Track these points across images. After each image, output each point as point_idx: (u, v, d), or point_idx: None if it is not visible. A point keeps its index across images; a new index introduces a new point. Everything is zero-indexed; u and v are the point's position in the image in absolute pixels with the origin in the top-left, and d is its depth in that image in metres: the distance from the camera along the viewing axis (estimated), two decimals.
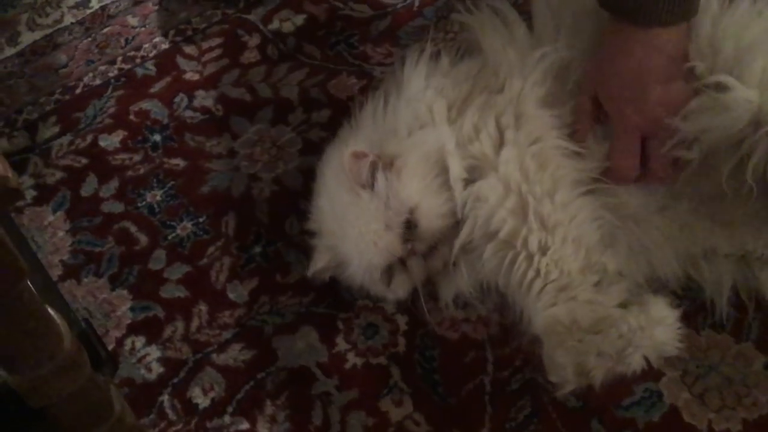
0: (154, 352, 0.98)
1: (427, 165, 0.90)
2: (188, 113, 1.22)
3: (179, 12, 1.35)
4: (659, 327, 0.83)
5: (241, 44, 1.29)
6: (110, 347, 0.99)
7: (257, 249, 1.06)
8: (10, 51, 1.34)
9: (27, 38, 1.36)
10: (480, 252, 0.90)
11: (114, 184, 1.15)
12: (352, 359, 0.96)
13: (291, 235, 1.07)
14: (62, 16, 1.38)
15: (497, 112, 0.92)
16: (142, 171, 1.16)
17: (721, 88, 0.84)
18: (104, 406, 0.74)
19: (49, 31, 1.36)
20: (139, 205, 1.12)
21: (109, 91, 1.26)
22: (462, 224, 0.90)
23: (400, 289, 0.93)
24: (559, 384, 0.84)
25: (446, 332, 0.96)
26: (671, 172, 0.89)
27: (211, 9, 1.35)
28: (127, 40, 1.33)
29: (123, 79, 1.27)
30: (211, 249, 1.07)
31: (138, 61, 1.29)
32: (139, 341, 1.00)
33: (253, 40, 1.30)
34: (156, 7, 1.37)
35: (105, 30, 1.35)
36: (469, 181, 0.91)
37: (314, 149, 1.15)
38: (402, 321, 0.97)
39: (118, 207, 1.12)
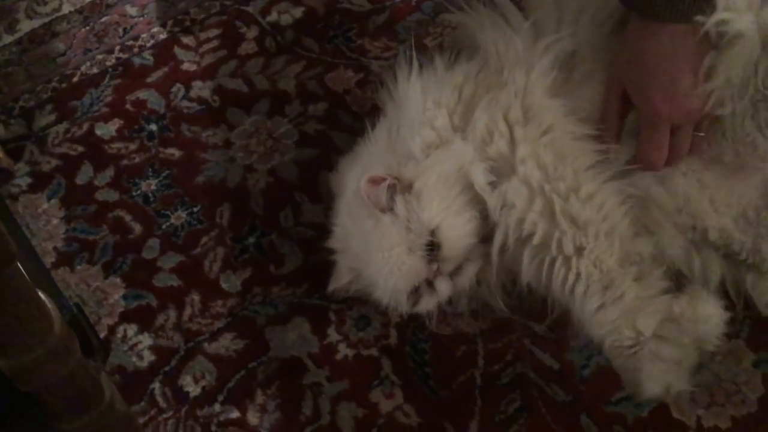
0: (146, 340, 0.99)
1: (447, 185, 0.89)
2: (185, 103, 1.22)
3: (178, 2, 1.35)
4: (704, 324, 0.84)
5: (239, 36, 1.29)
6: (102, 335, 0.99)
7: (251, 240, 1.06)
8: (8, 39, 1.34)
9: (25, 26, 1.36)
10: (515, 257, 0.90)
11: (109, 172, 1.15)
12: (344, 350, 0.96)
13: (285, 227, 1.07)
14: (60, 4, 1.38)
15: (504, 108, 0.92)
16: (137, 160, 1.16)
17: (722, 24, 0.84)
18: (94, 391, 0.74)
19: (47, 19, 1.36)
20: (134, 194, 1.12)
21: (107, 80, 1.26)
22: (494, 231, 0.90)
23: (428, 306, 0.92)
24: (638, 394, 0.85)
25: (438, 326, 0.96)
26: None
27: (210, 0, 1.35)
28: (125, 29, 1.33)
29: (120, 69, 1.27)
30: (205, 239, 1.07)
31: (136, 50, 1.29)
32: (132, 329, 1.00)
33: (251, 32, 1.30)
34: None
35: (103, 19, 1.35)
36: (495, 185, 0.90)
37: (310, 142, 1.16)
38: (394, 314, 0.97)
39: (112, 195, 1.12)
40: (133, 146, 1.17)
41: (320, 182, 1.11)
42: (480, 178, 0.89)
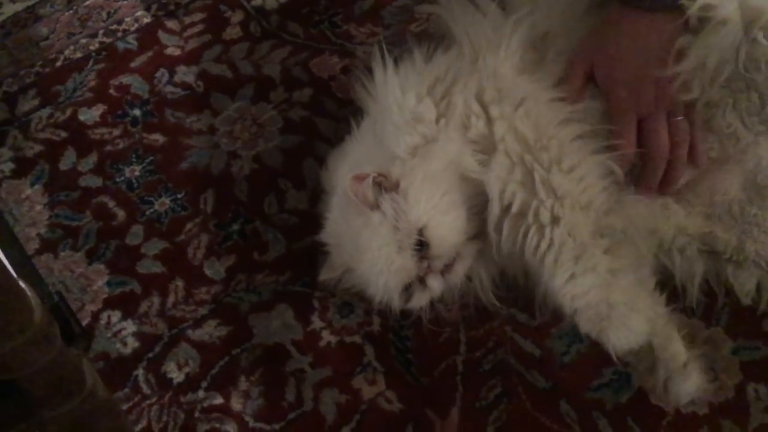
0: (129, 327, 0.99)
1: (433, 184, 0.89)
2: (169, 88, 1.21)
3: None
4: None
5: (223, 20, 1.29)
6: (86, 321, 0.99)
7: (235, 227, 1.06)
8: None
9: (8, 9, 1.35)
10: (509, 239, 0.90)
11: (93, 158, 1.14)
12: (327, 337, 0.97)
13: (269, 214, 1.07)
14: None
15: (477, 91, 0.92)
16: (121, 146, 1.16)
17: (707, 9, 0.84)
18: (76, 379, 0.75)
19: (30, 2, 1.35)
20: (118, 180, 1.12)
21: (90, 64, 1.25)
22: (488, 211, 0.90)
23: (420, 303, 0.92)
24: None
25: (421, 313, 0.97)
26: (668, 147, 0.91)
27: None
28: (108, 13, 1.32)
29: (104, 53, 1.27)
30: (189, 225, 1.07)
31: (119, 34, 1.29)
32: (115, 316, 1.00)
33: (236, 17, 1.29)
34: None
35: (87, 3, 1.34)
36: (485, 163, 0.90)
37: (295, 128, 1.16)
38: (388, 310, 0.96)
39: (96, 181, 1.12)
40: (116, 132, 1.17)
41: (305, 169, 1.11)
42: (469, 162, 0.90)
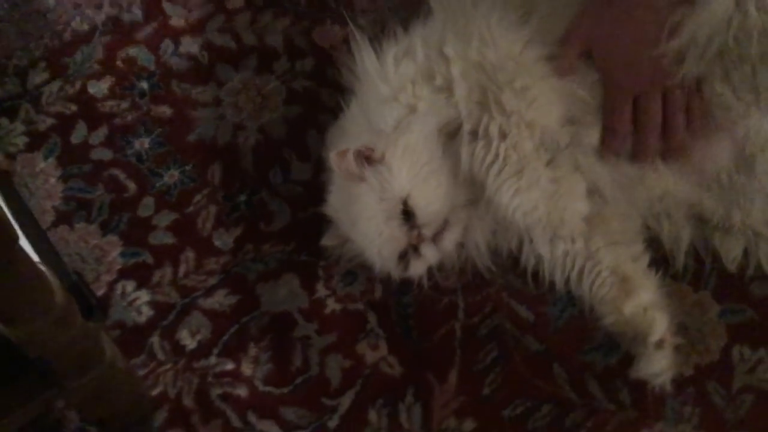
0: (143, 296, 1.03)
1: (414, 154, 0.92)
2: (174, 60, 1.24)
3: None
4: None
5: None
6: (102, 291, 1.04)
7: (242, 198, 1.10)
8: None
9: None
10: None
11: (103, 131, 1.17)
12: (332, 305, 1.01)
13: (275, 185, 1.11)
14: None
15: (438, 40, 0.94)
16: (129, 118, 1.18)
17: None
18: (96, 352, 0.80)
19: None
20: (128, 152, 1.15)
21: (97, 36, 1.27)
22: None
23: (417, 271, 0.96)
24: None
25: (421, 280, 1.01)
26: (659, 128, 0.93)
27: None
28: None
29: (110, 25, 1.28)
30: (197, 197, 1.11)
31: (124, 5, 1.30)
32: (130, 285, 1.04)
33: None
34: None
35: None
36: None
37: (298, 99, 1.19)
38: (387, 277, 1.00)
39: (107, 154, 1.15)
40: (125, 104, 1.20)
41: (308, 139, 1.14)
42: (442, 106, 0.93)
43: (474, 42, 0.92)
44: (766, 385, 0.92)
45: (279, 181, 1.11)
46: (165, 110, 1.19)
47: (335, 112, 1.11)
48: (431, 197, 0.92)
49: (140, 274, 1.05)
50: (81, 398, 0.85)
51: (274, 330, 1.00)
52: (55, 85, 1.23)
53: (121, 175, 1.14)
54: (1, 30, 1.30)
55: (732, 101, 0.92)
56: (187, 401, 0.96)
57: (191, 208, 1.10)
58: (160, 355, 0.99)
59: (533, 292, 1.00)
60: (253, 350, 0.99)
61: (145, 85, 1.22)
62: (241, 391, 0.96)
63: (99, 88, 1.22)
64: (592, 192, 0.94)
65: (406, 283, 1.00)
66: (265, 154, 1.14)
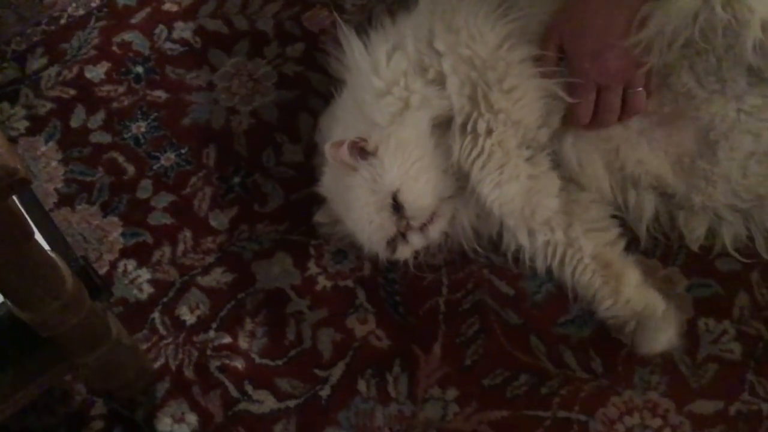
0: (144, 275, 1.09)
1: (407, 150, 0.96)
2: (168, 45, 1.28)
3: None
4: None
5: None
6: (105, 269, 1.09)
7: (236, 180, 1.15)
8: None
9: None
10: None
11: (101, 115, 1.22)
12: (323, 282, 1.07)
13: (267, 167, 1.16)
14: None
15: (428, 33, 0.98)
16: (126, 103, 1.23)
17: None
18: (103, 331, 0.86)
19: None
20: (125, 136, 1.20)
21: (92, 21, 1.31)
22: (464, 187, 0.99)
23: (404, 255, 1.01)
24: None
25: (407, 258, 1.06)
26: (615, 118, 0.98)
27: None
28: None
29: (105, 10, 1.32)
30: (193, 179, 1.16)
31: None
32: (131, 264, 1.10)
33: None
34: None
35: None
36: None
37: (289, 83, 1.23)
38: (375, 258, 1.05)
39: (105, 138, 1.20)
40: (121, 89, 1.24)
41: (299, 123, 1.19)
42: (435, 98, 0.96)
43: (463, 37, 0.96)
44: (728, 354, 0.98)
45: (272, 163, 1.16)
46: (160, 95, 1.23)
47: (325, 96, 1.16)
48: (420, 193, 0.96)
49: (140, 254, 1.11)
50: (89, 372, 0.91)
51: (268, 306, 1.06)
52: (53, 70, 1.27)
53: (120, 158, 1.18)
54: None
55: (697, 90, 0.96)
56: (188, 373, 1.02)
57: (188, 190, 1.15)
58: (162, 330, 1.05)
59: (514, 270, 1.05)
60: (249, 325, 1.05)
61: (140, 69, 1.26)
62: (239, 363, 1.02)
63: (96, 72, 1.26)
64: (570, 180, 1.00)
65: (393, 264, 1.06)
66: (257, 138, 1.19)
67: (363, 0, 1.30)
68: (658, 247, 1.05)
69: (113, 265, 1.10)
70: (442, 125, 0.98)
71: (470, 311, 1.04)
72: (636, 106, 0.96)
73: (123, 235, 1.12)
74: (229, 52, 1.26)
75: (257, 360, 1.02)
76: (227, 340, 1.04)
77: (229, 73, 1.25)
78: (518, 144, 0.95)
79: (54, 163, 1.19)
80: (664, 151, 0.99)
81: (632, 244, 1.04)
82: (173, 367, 1.02)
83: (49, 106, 1.24)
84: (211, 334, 1.04)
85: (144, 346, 1.03)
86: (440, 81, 0.97)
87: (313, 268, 1.08)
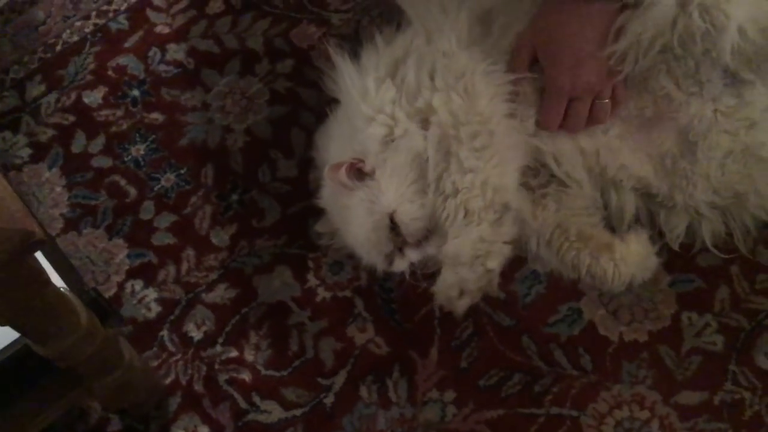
0: (151, 294, 1.14)
1: (402, 174, 0.98)
2: (162, 67, 1.32)
3: None
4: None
5: None
6: (113, 291, 1.14)
7: (234, 197, 1.19)
8: None
9: None
10: None
11: (101, 139, 1.26)
12: (322, 293, 1.12)
13: (263, 183, 1.20)
14: None
15: (431, 68, 1.00)
16: (124, 126, 1.27)
17: None
18: (116, 356, 0.91)
19: None
20: (126, 159, 1.24)
21: (87, 47, 1.35)
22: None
23: (400, 268, 1.04)
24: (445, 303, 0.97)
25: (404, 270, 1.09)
26: (583, 125, 1.01)
27: None
28: None
29: (99, 35, 1.35)
30: (193, 198, 1.20)
31: (111, 15, 1.37)
32: (138, 284, 1.14)
33: None
34: None
35: None
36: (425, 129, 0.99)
37: (281, 100, 1.27)
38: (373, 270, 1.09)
39: (106, 162, 1.24)
40: (119, 112, 1.28)
41: (292, 138, 1.23)
42: (417, 137, 0.98)
43: (460, 83, 0.97)
44: (711, 346, 1.03)
45: (267, 179, 1.20)
46: (157, 117, 1.27)
47: (316, 110, 1.20)
48: (415, 215, 0.99)
49: (146, 274, 1.15)
50: (104, 394, 0.96)
51: (271, 318, 1.10)
52: (52, 97, 1.31)
53: (122, 181, 1.23)
54: None
55: (675, 93, 0.99)
56: (198, 387, 1.07)
57: (188, 210, 1.19)
58: (171, 347, 1.10)
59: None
60: (254, 338, 1.09)
61: (136, 92, 1.30)
62: (246, 376, 1.07)
63: (93, 97, 1.30)
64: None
65: (389, 275, 1.10)
66: (253, 155, 1.23)
67: (349, 14, 1.33)
68: None
69: (121, 286, 1.15)
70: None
71: (464, 315, 1.07)
72: (600, 117, 1.00)
73: (128, 256, 1.17)
74: (222, 71, 1.30)
75: (263, 372, 1.07)
76: (234, 353, 1.08)
77: (222, 92, 1.29)
78: (485, 206, 0.94)
79: (58, 189, 1.23)
80: (646, 153, 1.02)
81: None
82: (183, 382, 1.07)
83: (50, 132, 1.28)
84: (218, 348, 1.09)
85: (155, 363, 1.08)
86: (426, 111, 0.99)
87: (312, 280, 1.13)
